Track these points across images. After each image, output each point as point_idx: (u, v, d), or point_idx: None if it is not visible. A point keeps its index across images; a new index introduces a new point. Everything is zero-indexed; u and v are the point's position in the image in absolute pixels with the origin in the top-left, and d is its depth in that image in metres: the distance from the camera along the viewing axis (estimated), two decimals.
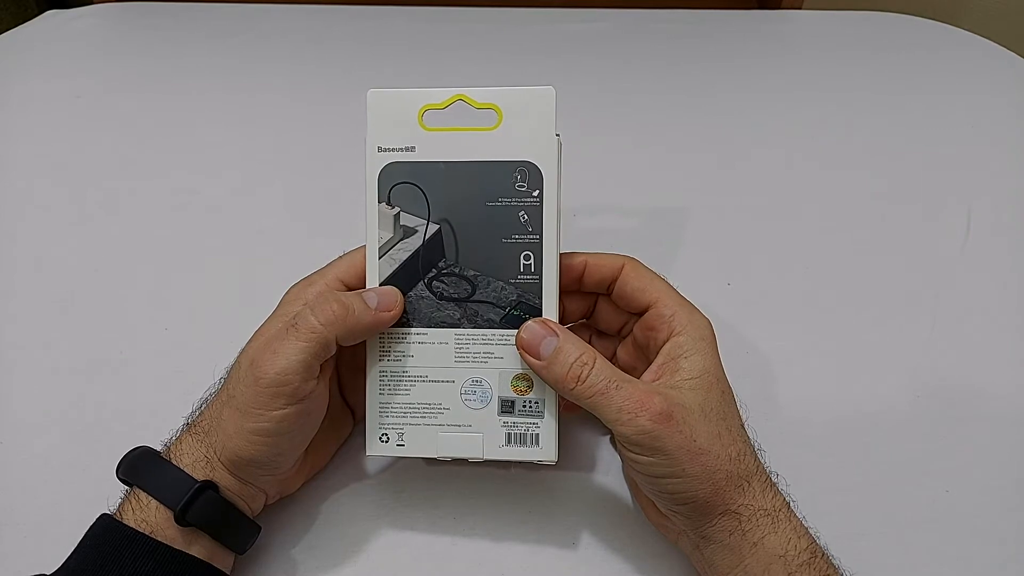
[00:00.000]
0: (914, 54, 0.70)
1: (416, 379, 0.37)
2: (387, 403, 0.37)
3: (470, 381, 0.36)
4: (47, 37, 0.72)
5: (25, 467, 0.42)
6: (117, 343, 0.48)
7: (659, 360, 0.35)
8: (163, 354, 0.47)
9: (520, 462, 0.37)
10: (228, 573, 0.36)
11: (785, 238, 0.54)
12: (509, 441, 0.36)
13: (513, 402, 0.36)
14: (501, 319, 0.36)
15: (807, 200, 0.57)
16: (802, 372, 0.46)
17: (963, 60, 0.70)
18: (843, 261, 0.53)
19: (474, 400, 0.36)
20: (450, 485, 0.41)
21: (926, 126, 0.62)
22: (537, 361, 0.34)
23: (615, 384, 0.33)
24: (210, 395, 0.37)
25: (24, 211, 0.56)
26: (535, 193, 0.36)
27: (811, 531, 0.34)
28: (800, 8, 0.80)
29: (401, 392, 0.37)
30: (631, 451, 0.33)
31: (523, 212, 0.36)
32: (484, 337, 0.36)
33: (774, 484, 0.34)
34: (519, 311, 0.36)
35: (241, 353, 0.36)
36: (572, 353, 0.34)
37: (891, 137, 0.61)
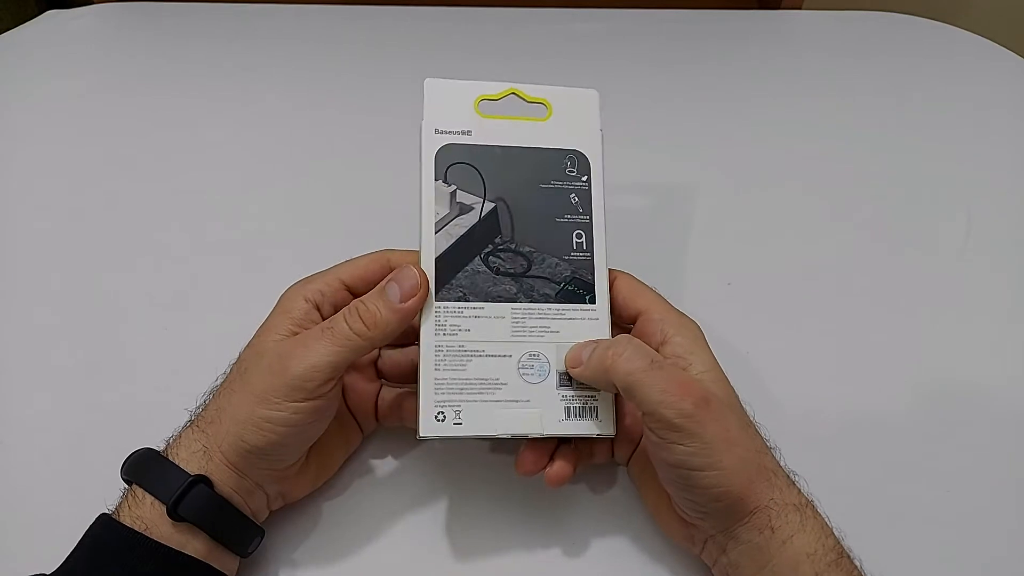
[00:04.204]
0: (914, 54, 0.70)
1: (473, 354, 0.36)
2: (443, 379, 0.35)
3: (527, 355, 0.36)
4: (47, 37, 0.72)
5: (25, 467, 0.42)
6: (117, 343, 0.48)
7: (668, 361, 0.35)
8: (163, 354, 0.47)
9: (579, 438, 0.37)
10: None
11: (785, 238, 0.54)
12: (568, 415, 0.36)
13: (571, 375, 0.36)
14: (556, 294, 0.37)
15: (807, 200, 0.56)
16: (802, 372, 0.46)
17: (963, 60, 0.70)
18: (843, 261, 0.53)
19: (532, 374, 0.36)
20: (452, 487, 0.41)
21: (926, 126, 0.62)
22: (580, 365, 0.35)
23: (657, 364, 0.33)
24: (215, 388, 0.37)
25: (24, 211, 0.56)
26: (584, 179, 0.39)
27: (836, 532, 0.34)
28: (800, 8, 0.80)
29: (457, 368, 0.36)
30: (668, 438, 0.32)
31: (574, 195, 0.38)
32: (540, 311, 0.37)
33: (795, 482, 0.34)
34: (574, 286, 0.37)
35: (251, 346, 0.36)
36: (607, 342, 0.35)
37: (891, 137, 0.61)
